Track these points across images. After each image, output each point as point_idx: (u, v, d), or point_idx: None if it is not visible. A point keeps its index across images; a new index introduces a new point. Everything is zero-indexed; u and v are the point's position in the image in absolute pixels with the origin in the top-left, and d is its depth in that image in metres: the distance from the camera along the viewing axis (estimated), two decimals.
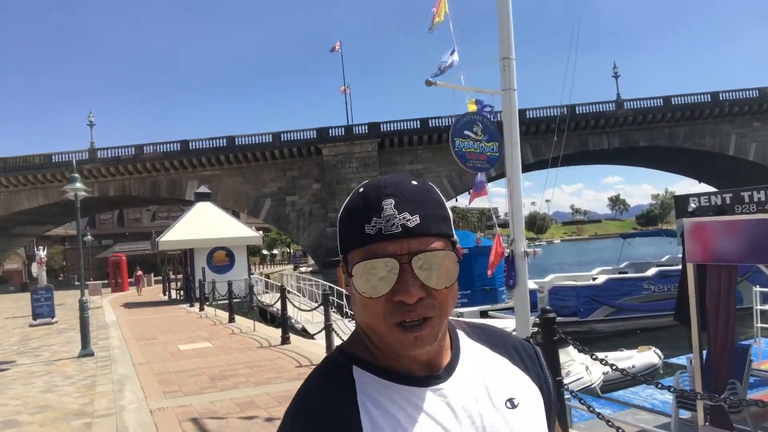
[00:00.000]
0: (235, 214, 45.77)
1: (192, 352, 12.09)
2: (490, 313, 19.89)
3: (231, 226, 30.30)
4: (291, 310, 15.01)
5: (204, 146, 55.53)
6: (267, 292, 28.11)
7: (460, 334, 1.08)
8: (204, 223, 29.28)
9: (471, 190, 6.39)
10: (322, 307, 11.11)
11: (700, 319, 4.56)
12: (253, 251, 52.29)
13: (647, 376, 10.01)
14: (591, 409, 4.49)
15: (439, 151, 53.87)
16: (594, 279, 21.57)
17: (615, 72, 60.08)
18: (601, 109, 56.70)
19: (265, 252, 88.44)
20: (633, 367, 12.41)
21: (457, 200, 57.07)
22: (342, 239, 0.97)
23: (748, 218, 4.45)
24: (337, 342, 9.71)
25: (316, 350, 11.21)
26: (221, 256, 28.88)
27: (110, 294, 38.65)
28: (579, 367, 11.62)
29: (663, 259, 23.69)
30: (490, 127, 6.01)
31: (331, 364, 1.02)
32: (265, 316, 21.55)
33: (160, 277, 43.46)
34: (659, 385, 4.23)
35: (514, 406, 0.99)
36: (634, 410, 7.99)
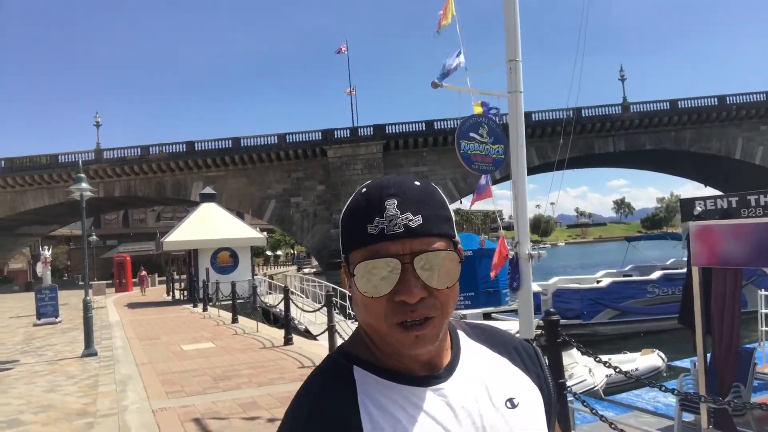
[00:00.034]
0: (240, 215, 45.79)
1: (195, 352, 12.10)
2: (493, 315, 19.86)
3: (235, 227, 30.35)
4: (294, 311, 15.02)
5: (210, 147, 55.65)
6: (270, 293, 28.13)
7: (461, 334, 1.08)
8: (208, 224, 29.35)
9: (474, 193, 6.38)
10: (325, 308, 11.11)
11: (705, 322, 4.53)
12: (256, 252, 52.39)
13: (650, 379, 9.98)
14: (594, 411, 4.47)
15: (444, 154, 53.85)
16: (598, 282, 21.51)
17: (622, 75, 59.97)
18: (607, 112, 56.55)
19: (269, 253, 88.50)
20: (636, 369, 12.37)
21: (461, 202, 57.07)
22: (344, 239, 0.97)
23: (754, 222, 4.42)
24: (339, 343, 9.69)
25: (318, 351, 11.21)
26: (225, 257, 28.92)
27: (114, 294, 38.75)
28: (582, 369, 11.59)
29: (668, 263, 23.61)
30: (495, 130, 6.00)
31: (331, 364, 1.02)
32: (268, 316, 21.59)
33: (164, 278, 43.53)
34: (663, 388, 4.21)
35: (514, 406, 0.99)
36: (637, 413, 7.96)
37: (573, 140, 52.07)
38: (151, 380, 9.36)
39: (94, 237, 48.79)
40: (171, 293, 33.32)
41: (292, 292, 16.47)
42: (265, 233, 35.23)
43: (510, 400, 1.00)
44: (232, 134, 57.35)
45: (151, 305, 27.20)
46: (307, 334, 16.25)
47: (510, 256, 5.83)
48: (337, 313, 11.39)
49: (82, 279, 14.80)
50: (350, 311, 13.63)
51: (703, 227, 4.54)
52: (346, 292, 1.00)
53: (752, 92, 57.10)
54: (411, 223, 0.91)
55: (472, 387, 0.99)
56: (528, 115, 48.94)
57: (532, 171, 51.22)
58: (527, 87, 5.79)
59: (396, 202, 0.92)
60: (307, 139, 55.04)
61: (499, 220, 8.08)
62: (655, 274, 20.83)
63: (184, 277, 34.89)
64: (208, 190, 36.26)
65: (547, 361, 4.55)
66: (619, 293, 20.19)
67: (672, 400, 7.29)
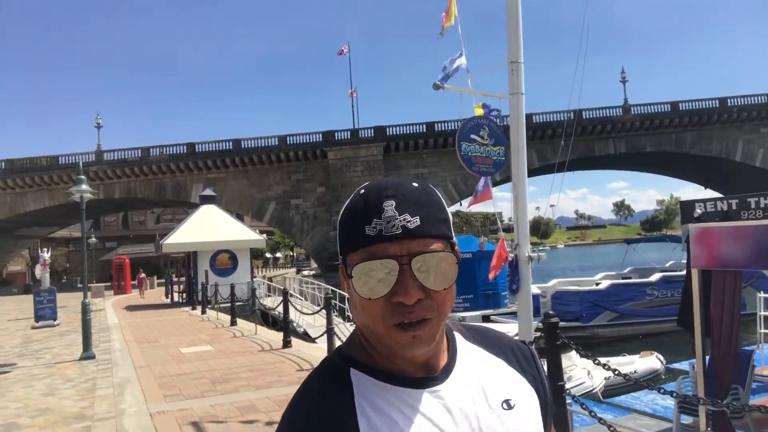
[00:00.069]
0: (239, 217, 45.82)
1: (193, 355, 12.08)
2: (492, 317, 19.86)
3: (235, 229, 30.35)
4: (293, 314, 15.00)
5: (210, 149, 55.63)
6: (269, 296, 28.12)
7: (457, 336, 1.09)
8: (208, 226, 29.34)
9: (476, 194, 6.36)
10: (324, 311, 11.09)
11: (704, 324, 4.51)
12: (256, 254, 52.37)
13: (649, 381, 9.96)
14: (593, 414, 4.45)
15: (444, 156, 53.84)
16: (597, 284, 21.50)
17: (623, 77, 59.98)
18: (608, 114, 56.56)
19: (268, 255, 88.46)
20: (635, 372, 12.34)
21: (461, 204, 57.05)
22: (342, 241, 0.98)
23: (754, 224, 4.40)
24: (338, 345, 9.67)
25: (317, 354, 11.19)
26: (224, 259, 28.91)
27: (113, 296, 38.71)
28: (581, 371, 11.57)
29: (667, 265, 23.59)
30: (496, 131, 5.98)
31: (329, 367, 1.03)
32: (267, 319, 21.57)
33: (163, 280, 43.51)
34: (662, 390, 4.19)
35: (510, 407, 1.00)
36: (635, 415, 7.95)
37: (573, 142, 52.06)
38: (149, 383, 9.33)
39: (94, 239, 48.79)
40: (170, 296, 33.29)
41: (291, 295, 16.45)
42: (264, 235, 35.21)
43: (506, 401, 1.00)
44: (232, 135, 57.59)
45: (150, 308, 27.17)
46: (306, 336, 16.23)
47: (509, 259, 5.82)
48: (336, 316, 11.37)
49: (80, 281, 14.79)
50: (349, 314, 13.62)
51: (703, 229, 4.52)
52: (346, 294, 1.00)
53: (753, 94, 57.10)
54: (409, 224, 0.91)
55: (469, 388, 0.99)
56: (529, 117, 48.77)
57: (532, 173, 51.08)
58: (528, 88, 5.77)
59: (394, 203, 0.92)
60: (308, 140, 55.03)
61: (498, 222, 8.06)
62: (655, 277, 20.82)
63: (183, 279, 34.87)
64: (208, 192, 36.24)
65: (546, 363, 4.54)
66: (618, 295, 20.18)
67: (670, 402, 7.27)
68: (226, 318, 18.45)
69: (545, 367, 4.56)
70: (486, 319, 19.69)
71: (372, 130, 55.19)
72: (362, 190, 0.98)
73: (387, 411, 0.93)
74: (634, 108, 56.88)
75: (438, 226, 0.95)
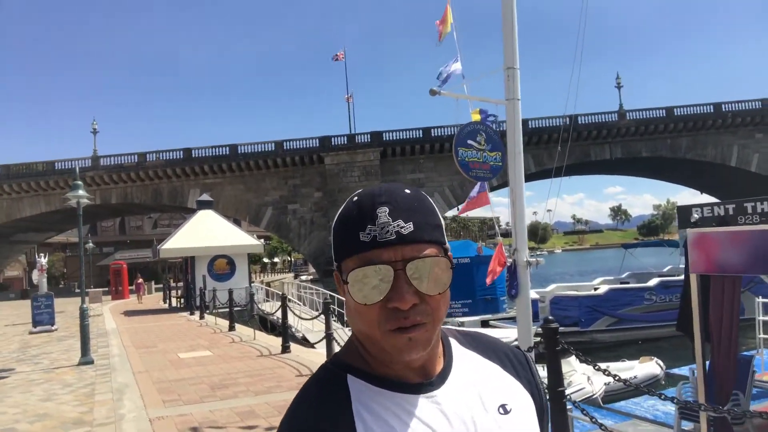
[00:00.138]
0: (237, 222, 45.77)
1: (192, 360, 12.06)
2: (491, 322, 19.84)
3: (232, 234, 30.31)
4: (291, 319, 14.99)
5: (207, 154, 55.64)
6: (268, 301, 28.05)
7: (453, 341, 1.09)
8: (205, 231, 29.29)
9: (469, 200, 6.37)
10: (322, 316, 11.08)
11: (704, 329, 4.53)
12: (253, 259, 52.26)
13: (649, 386, 9.94)
14: (593, 419, 4.46)
15: (441, 161, 53.92)
16: (595, 289, 21.49)
17: (618, 82, 60.23)
18: (603, 120, 56.77)
19: (266, 260, 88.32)
20: (635, 377, 12.35)
21: (458, 209, 57.02)
22: (336, 247, 0.99)
23: (751, 229, 4.43)
24: (337, 350, 9.66)
25: (316, 359, 11.18)
26: (222, 264, 28.87)
27: (110, 301, 38.60)
28: (581, 377, 11.56)
29: (665, 270, 23.62)
30: (493, 137, 6.01)
31: (326, 373, 1.03)
32: (265, 324, 21.53)
33: (161, 285, 43.41)
34: (662, 396, 4.20)
35: (506, 412, 1.00)
36: (636, 421, 7.95)
37: (569, 147, 52.19)
38: (147, 389, 9.31)
39: (91, 244, 48.71)
40: (168, 301, 33.20)
41: (290, 300, 16.43)
42: (262, 240, 35.19)
43: (502, 406, 1.01)
44: (229, 139, 57.68)
45: (148, 313, 27.11)
46: (304, 341, 16.21)
47: (508, 264, 5.83)
48: (334, 321, 11.36)
49: (78, 286, 14.77)
50: (347, 319, 13.63)
51: (701, 235, 4.54)
52: (344, 299, 1.01)
53: (747, 100, 57.44)
54: (402, 230, 0.92)
55: (465, 394, 1.00)
56: (525, 122, 49.06)
57: (528, 178, 50.66)
58: (524, 94, 5.81)
59: (387, 209, 0.93)
60: (304, 146, 55.10)
61: (496, 227, 8.08)
62: (653, 282, 20.83)
63: (180, 284, 34.80)
64: (205, 197, 36.21)
65: (545, 369, 4.55)
66: (617, 300, 20.18)
67: (671, 408, 7.28)
68: (225, 323, 18.41)
69: (545, 373, 4.58)
70: (485, 324, 19.67)
71: (369, 136, 55.28)
72: (355, 197, 0.99)
73: (384, 416, 0.94)
74: (629, 113, 57.13)
75: (431, 231, 0.96)
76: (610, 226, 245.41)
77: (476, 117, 6.16)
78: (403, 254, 0.92)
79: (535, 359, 5.70)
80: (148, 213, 74.04)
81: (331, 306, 10.86)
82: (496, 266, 5.98)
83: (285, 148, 55.01)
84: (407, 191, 0.98)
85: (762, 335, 9.09)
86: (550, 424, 4.46)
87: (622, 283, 22.75)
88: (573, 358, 10.57)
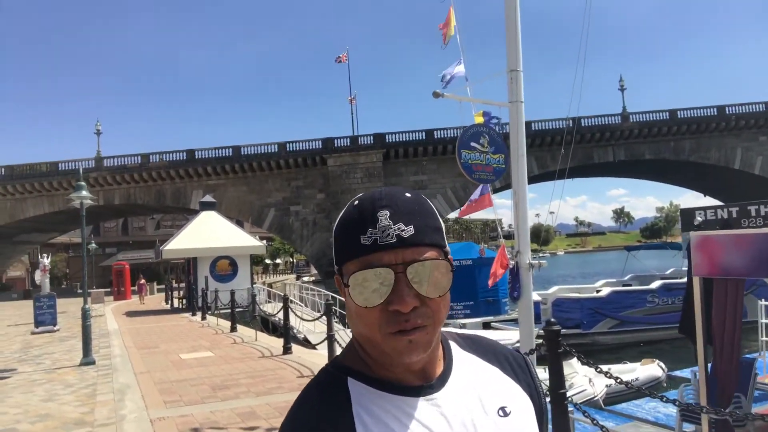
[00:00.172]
0: (239, 224, 45.81)
1: (193, 361, 12.06)
2: (493, 324, 19.82)
3: (235, 236, 30.34)
4: (293, 320, 14.98)
5: (210, 155, 55.71)
6: (269, 302, 28.06)
7: (452, 344, 1.10)
8: (208, 233, 29.34)
9: (470, 202, 6.37)
10: (324, 317, 11.08)
11: (706, 332, 4.52)
12: (256, 260, 52.32)
13: (651, 389, 9.94)
14: (594, 421, 4.44)
15: (443, 163, 53.93)
16: (598, 291, 21.48)
17: (621, 85, 60.16)
18: (606, 122, 56.68)
19: (268, 261, 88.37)
20: (636, 379, 12.33)
21: (460, 211, 56.97)
22: (338, 251, 1.00)
23: (755, 232, 4.42)
24: (338, 352, 9.66)
25: (318, 360, 11.17)
26: (224, 265, 28.90)
27: (113, 302, 38.65)
28: (582, 379, 11.55)
29: (667, 272, 23.58)
30: (496, 139, 6.00)
31: (326, 376, 1.04)
32: (267, 325, 21.54)
33: (163, 286, 43.43)
34: (664, 399, 4.19)
35: (506, 415, 1.01)
36: (637, 423, 7.94)
37: (573, 150, 52.17)
38: (149, 389, 9.32)
39: (93, 245, 48.74)
40: (170, 301, 33.24)
41: (292, 301, 16.44)
42: (264, 241, 35.21)
43: (502, 408, 1.01)
44: (232, 140, 57.74)
45: (150, 313, 27.13)
46: (306, 343, 16.21)
47: (510, 266, 5.82)
48: (336, 322, 11.35)
49: (80, 287, 14.79)
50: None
51: (704, 238, 4.53)
52: (345, 301, 1.01)
53: (751, 102, 57.27)
54: (403, 233, 0.93)
55: (465, 396, 1.01)
56: (528, 124, 48.82)
57: (531, 180, 51.21)
58: (527, 96, 5.80)
59: (388, 213, 0.94)
60: (307, 147, 55.13)
61: (498, 228, 8.06)
62: (655, 284, 20.81)
63: (182, 285, 34.83)
64: (208, 198, 36.28)
65: (547, 371, 4.54)
66: (619, 303, 20.16)
67: (672, 410, 7.27)
68: (226, 324, 18.42)
69: (546, 375, 4.57)
70: (486, 325, 19.66)
71: (371, 137, 55.29)
72: (356, 201, 1.00)
73: (384, 419, 0.95)
74: (632, 116, 57.03)
75: (431, 234, 0.97)
76: (613, 228, 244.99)
77: (479, 119, 6.17)
78: (404, 257, 0.93)
79: (536, 361, 5.70)
80: (151, 214, 74.17)
81: (333, 307, 10.86)
82: (498, 268, 5.98)
83: (288, 149, 55.04)
84: (408, 195, 0.99)
85: (764, 338, 9.07)
86: (550, 425, 4.45)
87: (624, 285, 22.74)
88: (575, 360, 10.55)
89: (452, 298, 1.00)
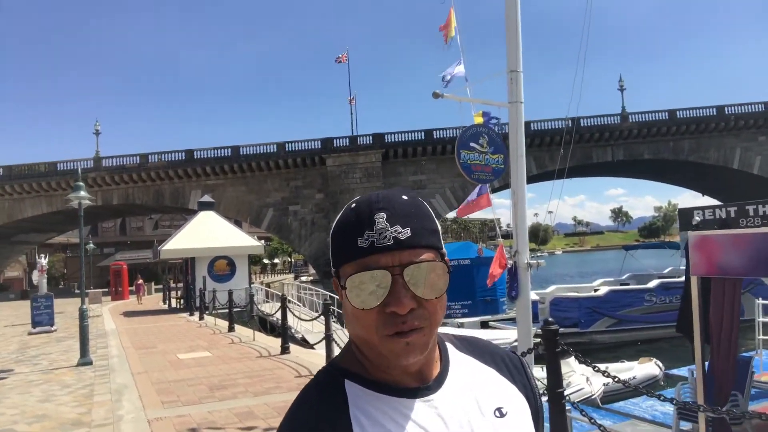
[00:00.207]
0: (238, 224, 45.79)
1: (191, 361, 12.05)
2: (491, 323, 19.83)
3: (233, 236, 30.33)
4: (291, 320, 14.98)
5: (208, 156, 55.68)
6: (267, 302, 28.04)
7: (449, 346, 1.11)
8: (206, 233, 29.33)
9: (468, 202, 6.36)
10: (322, 317, 11.07)
11: (704, 331, 4.52)
12: (254, 260, 52.26)
13: (648, 387, 9.94)
14: (592, 420, 4.45)
15: (443, 163, 53.96)
16: (596, 290, 21.50)
17: (621, 85, 60.20)
18: (605, 122, 56.74)
19: (266, 261, 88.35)
20: (634, 378, 12.34)
21: (457, 210, 57.02)
22: (335, 253, 1.00)
23: (753, 232, 4.42)
24: (336, 352, 9.67)
25: (316, 360, 11.17)
26: (222, 265, 28.89)
27: (110, 302, 38.61)
28: (580, 378, 11.56)
29: (665, 271, 23.61)
30: (495, 139, 6.00)
31: (323, 378, 1.04)
32: (265, 325, 21.50)
33: (161, 286, 43.42)
34: (662, 397, 4.19)
35: (502, 415, 1.02)
36: (634, 421, 7.95)
37: (571, 149, 52.21)
38: (146, 389, 9.31)
39: (92, 245, 48.72)
40: (167, 301, 33.20)
41: (290, 301, 16.43)
42: (262, 241, 35.20)
43: (498, 409, 1.02)
44: (231, 140, 57.70)
45: (148, 314, 27.11)
46: (304, 342, 16.20)
47: (509, 265, 5.82)
48: (334, 322, 11.34)
49: (78, 287, 14.78)
50: None
51: (702, 237, 4.53)
52: (342, 304, 1.01)
53: (750, 102, 57.37)
54: (400, 235, 0.94)
55: (462, 397, 1.01)
56: (527, 124, 48.84)
57: (530, 180, 50.72)
58: (526, 96, 5.80)
59: (385, 215, 0.95)
60: (306, 147, 55.12)
61: (497, 228, 8.07)
62: (653, 283, 20.83)
63: (180, 285, 34.81)
64: (207, 198, 36.25)
65: (545, 370, 4.54)
66: (617, 302, 20.18)
67: (669, 408, 7.27)
68: (224, 324, 18.41)
69: (544, 374, 4.57)
70: (484, 324, 19.66)
71: (371, 137, 55.30)
72: (353, 204, 1.00)
73: (381, 421, 0.95)
74: (631, 116, 57.09)
75: (428, 236, 0.97)
76: (611, 227, 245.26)
77: (479, 120, 6.16)
78: (401, 259, 0.93)
79: (534, 360, 5.70)
80: (149, 214, 74.13)
81: (331, 307, 10.85)
82: (496, 268, 5.97)
83: (287, 149, 55.03)
84: (404, 197, 1.00)
85: (761, 336, 9.09)
86: (547, 424, 4.45)
87: (622, 284, 22.75)
88: (572, 359, 10.56)
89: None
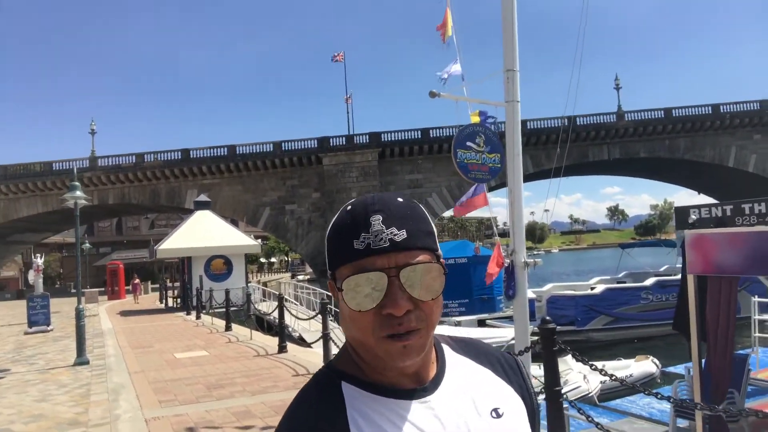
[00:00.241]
0: (234, 223, 45.74)
1: (188, 360, 12.04)
2: (488, 321, 19.87)
3: (229, 235, 30.31)
4: (288, 319, 14.97)
5: (204, 155, 55.55)
6: (264, 301, 28.04)
7: (445, 347, 1.12)
8: (202, 232, 29.30)
9: (464, 202, 6.37)
10: (319, 316, 11.07)
11: (700, 329, 4.54)
12: (251, 259, 52.28)
13: (645, 385, 9.97)
14: (589, 418, 4.46)
15: (439, 161, 53.94)
16: (592, 288, 21.56)
17: (617, 84, 60.29)
18: (602, 121, 56.79)
19: (263, 260, 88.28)
20: (631, 376, 12.38)
21: (457, 206, 57.01)
22: (331, 256, 1.01)
23: (748, 230, 4.44)
24: (334, 350, 9.68)
25: (313, 359, 11.17)
26: (219, 265, 28.88)
27: (107, 302, 38.56)
28: (577, 376, 11.59)
29: (661, 269, 23.68)
30: (492, 139, 6.00)
31: (320, 381, 1.05)
32: (262, 324, 21.49)
33: (157, 285, 43.35)
34: (659, 396, 4.20)
35: (499, 416, 1.02)
36: (631, 419, 7.98)
37: (568, 148, 52.27)
38: (143, 389, 9.29)
39: (88, 245, 48.59)
40: (164, 301, 33.18)
41: (286, 300, 16.42)
42: (259, 240, 35.19)
43: (495, 410, 1.03)
44: (227, 140, 57.50)
45: (144, 313, 27.07)
46: (301, 341, 16.20)
47: (506, 264, 5.83)
48: (331, 321, 11.35)
49: (74, 287, 14.75)
50: None
51: (699, 236, 4.55)
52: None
53: (746, 101, 57.47)
54: (396, 237, 0.94)
55: (459, 398, 1.02)
56: (523, 123, 48.71)
57: (526, 179, 50.97)
58: (523, 95, 5.80)
59: (381, 218, 0.95)
60: (303, 146, 55.02)
61: (494, 226, 8.08)
62: (649, 281, 20.90)
63: (177, 284, 34.77)
64: (203, 197, 36.21)
65: (542, 369, 4.55)
66: (613, 300, 20.25)
67: (666, 406, 7.30)
68: (221, 323, 18.39)
69: (542, 372, 4.58)
70: (481, 323, 19.70)
71: (367, 136, 55.23)
72: (348, 207, 1.00)
73: (378, 422, 0.95)
74: (627, 114, 57.15)
75: (424, 238, 0.98)
76: (608, 225, 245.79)
77: (476, 119, 6.17)
78: (397, 261, 0.94)
79: (531, 358, 5.71)
80: (146, 213, 73.97)
81: (328, 306, 10.86)
82: (494, 267, 5.98)
83: (283, 148, 54.92)
84: (399, 200, 1.00)
85: (757, 334, 9.12)
86: (545, 422, 4.46)
87: (618, 282, 22.82)
88: (569, 357, 10.58)
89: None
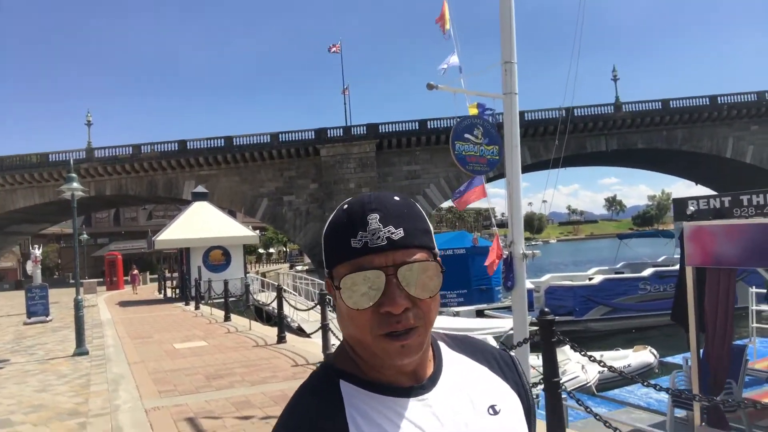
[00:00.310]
0: (232, 214, 45.69)
1: (187, 350, 12.06)
2: (486, 312, 19.92)
3: (227, 226, 30.30)
4: (287, 309, 14.99)
5: (202, 146, 55.41)
6: (263, 291, 28.08)
7: (442, 345, 1.12)
8: (200, 223, 29.29)
9: (462, 193, 6.36)
10: (318, 306, 11.10)
11: (698, 320, 4.56)
12: (249, 250, 52.28)
13: (643, 375, 10.03)
14: (587, 408, 4.48)
15: (437, 153, 53.87)
16: (590, 279, 21.61)
17: (614, 75, 60.19)
18: (599, 112, 56.72)
19: (261, 251, 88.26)
20: (629, 366, 12.43)
21: (456, 198, 57.01)
22: (328, 254, 1.01)
23: (747, 222, 4.45)
24: (333, 341, 9.70)
25: (312, 349, 11.19)
26: (217, 255, 28.90)
27: (105, 292, 38.56)
28: (575, 366, 11.63)
29: (659, 260, 23.74)
30: (490, 130, 5.99)
31: (318, 379, 1.05)
32: (261, 315, 21.57)
33: (156, 276, 43.36)
34: (657, 387, 4.23)
35: (496, 413, 1.03)
36: (629, 409, 8.02)
37: (566, 139, 52.23)
38: (143, 379, 9.32)
39: (85, 235, 48.55)
40: (163, 291, 33.19)
41: (285, 290, 16.44)
42: (257, 231, 35.18)
43: (492, 407, 1.03)
44: (225, 132, 57.24)
45: (143, 303, 27.08)
46: (300, 332, 16.25)
47: (504, 256, 5.84)
48: (330, 311, 11.38)
49: (73, 277, 14.75)
50: None
51: (697, 228, 4.56)
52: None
53: (743, 92, 57.42)
54: (393, 235, 0.95)
55: (456, 396, 1.02)
56: (521, 114, 48.31)
57: (524, 170, 50.82)
58: (521, 87, 5.80)
59: (378, 216, 0.96)
60: (300, 138, 54.88)
61: (492, 217, 8.09)
62: (647, 271, 20.95)
63: (175, 275, 34.77)
64: (200, 188, 36.16)
65: (541, 359, 4.57)
66: (611, 290, 20.31)
67: (664, 396, 7.34)
68: (220, 313, 18.42)
69: (540, 362, 4.60)
70: (480, 313, 19.75)
71: (365, 128, 55.08)
72: (345, 205, 1.01)
73: (377, 420, 0.96)
74: (625, 105, 57.07)
75: (421, 237, 0.98)
76: (605, 216, 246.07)
77: (474, 111, 6.16)
78: (394, 259, 0.94)
79: (530, 349, 5.74)
80: (143, 204, 73.88)
81: (327, 296, 10.87)
82: (494, 258, 5.99)
83: (281, 140, 54.77)
84: (396, 198, 1.01)
85: (755, 324, 9.16)
86: (544, 412, 4.49)
87: (616, 273, 22.88)
88: (567, 347, 10.62)
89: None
